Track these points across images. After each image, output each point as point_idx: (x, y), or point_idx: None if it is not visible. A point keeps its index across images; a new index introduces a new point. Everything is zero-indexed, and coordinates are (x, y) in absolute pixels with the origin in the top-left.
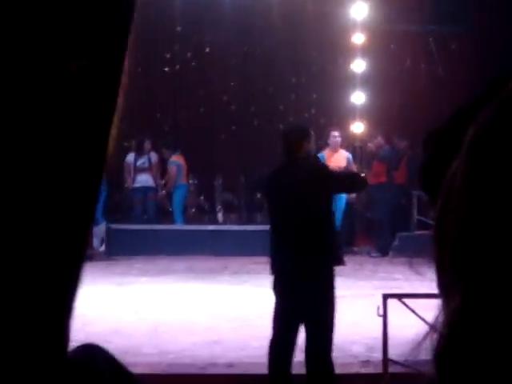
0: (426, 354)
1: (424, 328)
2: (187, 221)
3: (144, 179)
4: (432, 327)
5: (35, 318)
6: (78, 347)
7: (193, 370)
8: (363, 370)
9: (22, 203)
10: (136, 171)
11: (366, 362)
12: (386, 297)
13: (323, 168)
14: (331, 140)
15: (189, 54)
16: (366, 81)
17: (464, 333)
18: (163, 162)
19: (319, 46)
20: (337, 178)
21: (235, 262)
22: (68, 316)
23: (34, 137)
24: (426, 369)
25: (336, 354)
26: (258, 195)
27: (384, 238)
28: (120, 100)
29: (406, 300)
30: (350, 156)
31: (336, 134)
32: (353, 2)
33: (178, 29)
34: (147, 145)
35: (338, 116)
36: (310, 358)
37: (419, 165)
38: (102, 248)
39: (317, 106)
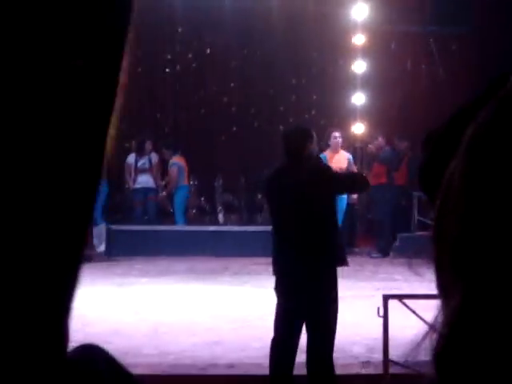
0: (425, 355)
1: (424, 329)
2: (188, 222)
3: (144, 180)
4: (431, 327)
5: (34, 317)
6: (78, 347)
7: (193, 371)
8: (363, 371)
9: (19, 201)
10: (137, 172)
11: (367, 363)
12: (386, 297)
13: (325, 169)
14: (332, 141)
15: (189, 56)
16: (367, 82)
17: (463, 333)
18: (164, 163)
19: (319, 47)
20: (339, 178)
21: (236, 263)
22: (67, 316)
23: (31, 137)
24: (426, 370)
25: (336, 355)
26: (259, 196)
27: (384, 238)
28: (118, 100)
29: (406, 301)
30: (350, 157)
31: (337, 134)
32: (353, 2)
33: (179, 30)
34: (148, 146)
35: (339, 117)
36: (311, 358)
37: (418, 165)
38: (102, 248)
39: (317, 107)
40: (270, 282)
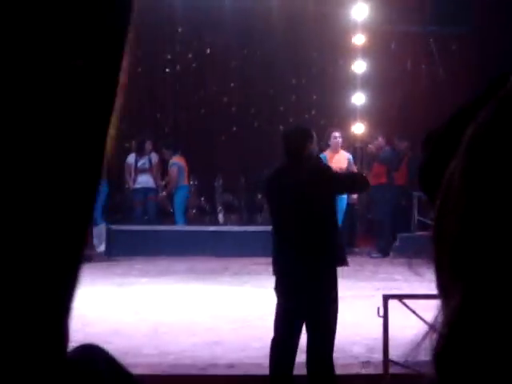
0: (425, 355)
1: (425, 329)
2: (188, 222)
3: (145, 180)
4: (431, 327)
5: (34, 317)
6: (78, 347)
7: (193, 371)
8: (364, 371)
9: (20, 201)
10: (137, 172)
11: (367, 363)
12: (386, 297)
13: (325, 169)
14: (332, 141)
15: (189, 56)
16: (367, 82)
17: (463, 332)
18: (164, 163)
19: (319, 47)
20: (339, 178)
21: (236, 263)
22: (67, 316)
23: (31, 137)
24: (426, 370)
25: (336, 355)
26: (259, 196)
27: (384, 238)
28: (118, 100)
29: (406, 301)
30: (350, 157)
31: (337, 134)
32: (353, 2)
33: (179, 30)
34: (148, 145)
35: (339, 117)
36: (311, 358)
37: (418, 165)
38: (102, 248)
39: (317, 107)
40: (269, 282)
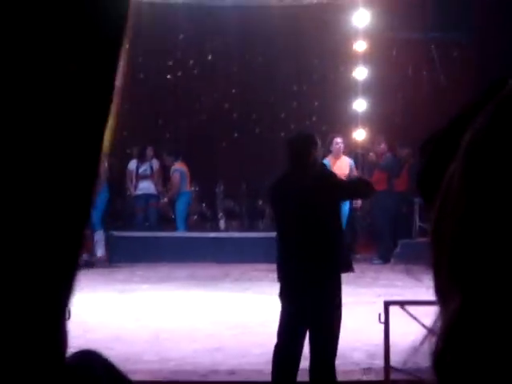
0: (425, 359)
1: (424, 334)
2: (189, 228)
3: (146, 186)
4: (430, 331)
5: (32, 322)
6: (76, 353)
7: (194, 378)
8: (365, 378)
9: (16, 204)
10: (138, 178)
11: (368, 370)
12: (387, 304)
13: (330, 175)
14: (334, 147)
15: (191, 62)
16: (368, 88)
17: (462, 336)
18: (165, 169)
19: (321, 54)
20: (343, 185)
21: (237, 269)
22: (64, 320)
23: (26, 141)
24: (427, 376)
25: (337, 361)
26: (260, 202)
27: (385, 245)
28: (114, 104)
29: (407, 307)
30: (352, 162)
31: (339, 140)
32: (355, 9)
33: (181, 37)
34: (149, 152)
35: (340, 123)
36: (314, 365)
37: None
38: (101, 254)
39: (318, 114)
40: (271, 288)
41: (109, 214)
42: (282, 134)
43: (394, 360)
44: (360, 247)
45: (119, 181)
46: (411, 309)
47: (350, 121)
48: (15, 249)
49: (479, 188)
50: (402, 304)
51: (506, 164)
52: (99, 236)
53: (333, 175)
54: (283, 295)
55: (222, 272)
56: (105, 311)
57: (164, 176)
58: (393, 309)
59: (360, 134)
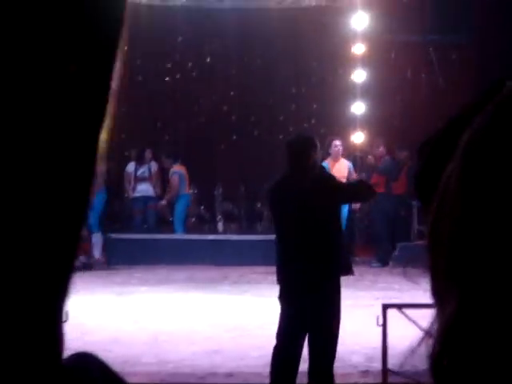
0: (421, 362)
1: (422, 337)
2: (187, 230)
3: (144, 189)
4: (427, 334)
5: (27, 323)
6: (72, 355)
7: (192, 380)
8: (362, 381)
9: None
10: (136, 180)
11: (366, 372)
12: (385, 307)
13: (329, 178)
14: (333, 149)
15: (189, 64)
16: (367, 91)
17: (459, 339)
18: (163, 172)
19: (319, 57)
20: (343, 187)
21: (235, 272)
22: (60, 322)
23: (21, 141)
24: (424, 379)
25: (335, 364)
26: (259, 205)
27: (383, 248)
28: (110, 105)
29: (405, 310)
30: (350, 165)
31: (338, 143)
32: (353, 12)
33: (179, 39)
34: (148, 154)
35: (339, 126)
36: (313, 368)
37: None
38: (99, 256)
39: (317, 117)
40: (269, 290)
41: (107, 216)
42: (281, 137)
43: (392, 363)
44: (358, 250)
45: (117, 183)
46: (409, 312)
47: (349, 123)
48: (10, 250)
49: (477, 189)
50: (400, 307)
51: (504, 165)
52: (97, 238)
53: (332, 178)
54: (283, 297)
55: (220, 274)
56: (103, 313)
57: (162, 178)
58: (391, 312)
59: (358, 137)
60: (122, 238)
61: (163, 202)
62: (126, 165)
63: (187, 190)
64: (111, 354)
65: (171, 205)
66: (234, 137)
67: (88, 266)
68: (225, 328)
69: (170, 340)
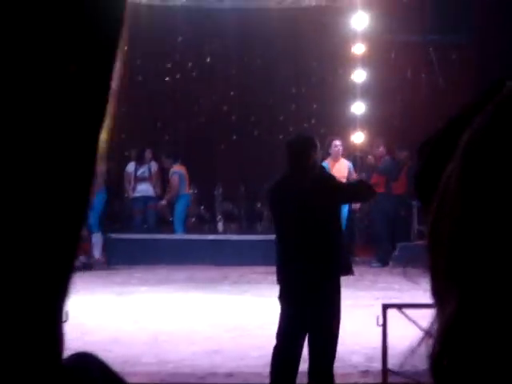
0: (421, 362)
1: (421, 336)
2: (187, 230)
3: (144, 189)
4: (427, 333)
5: (27, 324)
6: (72, 355)
7: (192, 380)
8: (362, 381)
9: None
10: (136, 181)
11: (366, 372)
12: (385, 307)
13: (329, 178)
14: (333, 149)
15: (189, 64)
16: (367, 91)
17: (459, 339)
18: (163, 172)
19: (319, 57)
20: (343, 187)
21: (235, 272)
22: (60, 322)
23: (21, 141)
24: (424, 379)
25: (335, 364)
26: (259, 205)
27: (383, 248)
28: (110, 105)
29: (405, 310)
30: (350, 165)
31: (338, 143)
32: (353, 12)
33: (179, 39)
34: (148, 154)
35: (339, 126)
36: (313, 368)
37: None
38: (98, 256)
39: (317, 117)
40: (269, 290)
41: (107, 217)
42: (281, 137)
43: (392, 363)
44: (358, 250)
45: (117, 183)
46: (409, 312)
47: (349, 123)
48: (10, 250)
49: (477, 189)
50: (400, 307)
51: (504, 165)
52: (97, 238)
53: (332, 178)
54: (283, 297)
55: (220, 274)
56: (103, 313)
57: (162, 178)
58: (391, 312)
59: (358, 137)
60: (122, 237)
61: (163, 202)
62: (126, 165)
63: (187, 190)
64: (111, 354)
65: (171, 205)
66: (234, 137)
67: (88, 266)
68: (225, 328)
69: (170, 340)
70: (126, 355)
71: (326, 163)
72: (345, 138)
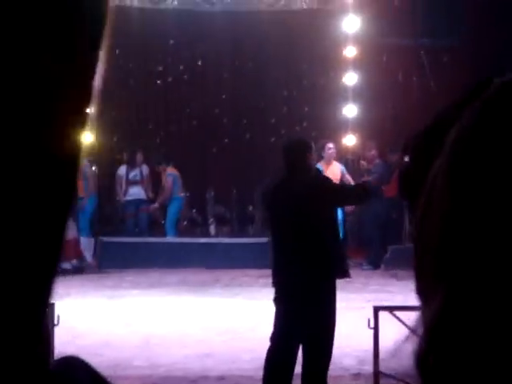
0: (408, 359)
1: (409, 336)
2: (179, 233)
3: (136, 192)
4: (413, 331)
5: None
6: (59, 359)
7: (184, 383)
8: (354, 383)
9: None
10: (128, 184)
11: (357, 375)
12: (377, 309)
13: (325, 181)
14: (326, 152)
15: (181, 67)
16: (358, 94)
17: (445, 337)
18: (154, 175)
19: (311, 60)
20: (339, 190)
21: (227, 275)
22: (45, 326)
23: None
24: (416, 381)
25: None
26: (250, 208)
27: (375, 250)
28: (94, 105)
29: (397, 312)
30: (343, 168)
31: (331, 146)
32: (345, 15)
33: (171, 42)
34: (139, 157)
35: (330, 129)
36: (307, 371)
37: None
38: (89, 259)
39: (308, 119)
40: (261, 293)
41: (98, 220)
42: (273, 140)
43: (384, 365)
44: (350, 253)
45: (109, 186)
46: (401, 314)
47: (340, 126)
48: None
49: (465, 185)
50: (391, 309)
51: (491, 161)
52: (87, 241)
53: (328, 180)
54: (278, 300)
55: (212, 277)
56: (94, 317)
57: (154, 181)
58: (382, 314)
59: (350, 140)
60: (113, 241)
61: (155, 205)
62: (117, 168)
63: (180, 193)
64: (103, 358)
65: (164, 207)
66: (226, 140)
67: (79, 270)
68: (216, 331)
69: (161, 343)
70: (117, 358)
71: (320, 166)
72: (337, 141)
